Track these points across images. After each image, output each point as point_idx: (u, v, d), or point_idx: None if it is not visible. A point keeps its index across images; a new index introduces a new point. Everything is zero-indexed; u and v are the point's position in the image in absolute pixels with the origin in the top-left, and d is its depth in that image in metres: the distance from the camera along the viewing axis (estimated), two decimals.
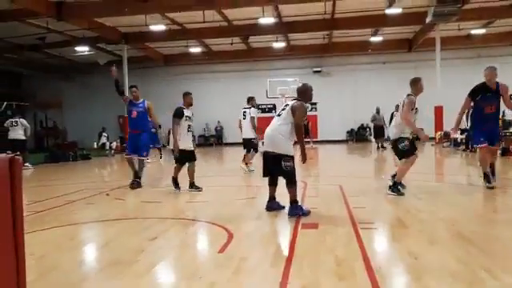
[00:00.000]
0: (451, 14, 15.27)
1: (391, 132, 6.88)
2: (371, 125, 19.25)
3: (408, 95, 6.55)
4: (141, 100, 8.36)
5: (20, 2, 14.27)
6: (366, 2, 15.78)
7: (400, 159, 6.80)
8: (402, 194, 6.54)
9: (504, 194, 6.86)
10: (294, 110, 5.36)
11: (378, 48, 23.01)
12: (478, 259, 3.76)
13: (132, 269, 3.55)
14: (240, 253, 3.89)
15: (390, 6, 16.13)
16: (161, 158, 16.24)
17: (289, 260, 3.66)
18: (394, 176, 6.68)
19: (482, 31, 20.72)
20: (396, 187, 6.60)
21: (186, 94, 7.73)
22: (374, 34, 21.08)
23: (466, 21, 18.19)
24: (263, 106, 23.00)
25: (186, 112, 7.56)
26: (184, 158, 7.53)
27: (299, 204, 5.41)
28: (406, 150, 6.53)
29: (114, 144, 20.85)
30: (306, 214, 5.26)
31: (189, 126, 7.58)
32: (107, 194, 7.63)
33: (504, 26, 20.35)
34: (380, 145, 17.32)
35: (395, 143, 6.67)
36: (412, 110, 6.45)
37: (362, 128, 24.79)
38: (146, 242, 4.37)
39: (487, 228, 4.79)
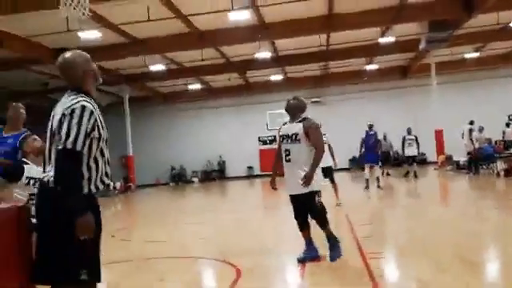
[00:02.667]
0: (443, 40, 15.59)
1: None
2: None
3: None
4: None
5: (20, 50, 14.46)
6: (360, 32, 16.09)
7: None
8: None
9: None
10: (306, 131, 4.54)
11: (373, 75, 23.25)
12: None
13: None
14: None
15: (382, 35, 16.52)
16: None
17: None
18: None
19: (475, 55, 21.02)
20: None
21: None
22: (369, 62, 21.42)
23: (458, 46, 18.48)
24: (264, 138, 23.09)
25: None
26: None
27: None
28: None
29: (118, 184, 20.82)
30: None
31: None
32: (113, 236, 7.58)
33: (496, 49, 20.68)
34: (386, 172, 17.06)
35: None
36: None
37: None
38: (156, 283, 4.34)
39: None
